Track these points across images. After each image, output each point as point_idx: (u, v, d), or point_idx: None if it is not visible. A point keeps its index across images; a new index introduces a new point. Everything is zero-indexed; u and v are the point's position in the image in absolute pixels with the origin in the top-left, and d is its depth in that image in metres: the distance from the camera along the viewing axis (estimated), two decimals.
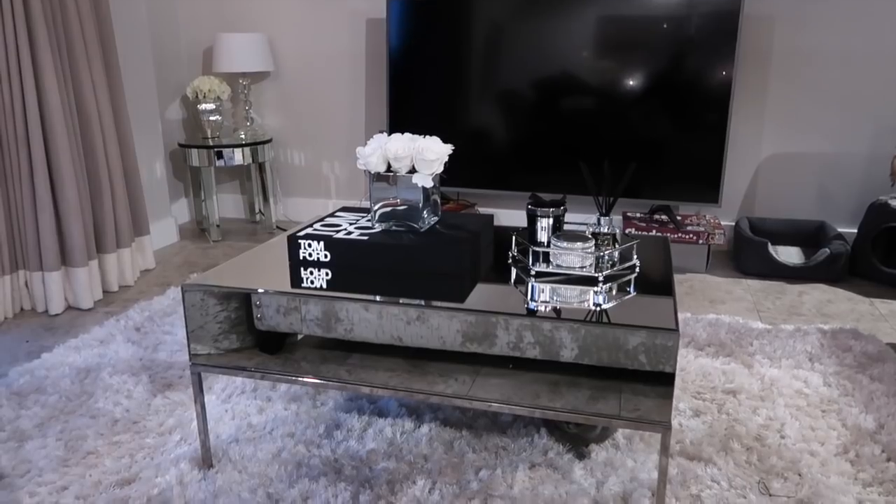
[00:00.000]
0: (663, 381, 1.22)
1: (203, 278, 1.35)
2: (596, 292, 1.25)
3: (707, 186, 2.81)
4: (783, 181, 2.97)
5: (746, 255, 2.72)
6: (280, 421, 1.58)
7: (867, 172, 2.87)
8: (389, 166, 1.43)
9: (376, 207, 1.47)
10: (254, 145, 3.22)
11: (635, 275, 1.34)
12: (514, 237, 1.45)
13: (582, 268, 1.30)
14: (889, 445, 1.45)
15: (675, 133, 2.80)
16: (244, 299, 1.41)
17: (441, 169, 1.41)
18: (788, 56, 2.83)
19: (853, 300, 2.45)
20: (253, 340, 1.44)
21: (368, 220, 1.54)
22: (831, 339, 2.00)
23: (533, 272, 1.32)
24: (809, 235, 2.90)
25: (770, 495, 1.31)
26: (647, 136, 2.84)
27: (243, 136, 3.31)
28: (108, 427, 1.56)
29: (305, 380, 1.30)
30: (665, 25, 2.72)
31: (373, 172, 1.43)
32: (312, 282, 1.33)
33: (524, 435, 1.52)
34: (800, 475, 1.36)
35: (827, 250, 2.62)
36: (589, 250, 1.30)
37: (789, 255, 2.77)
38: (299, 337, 1.48)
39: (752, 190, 3.01)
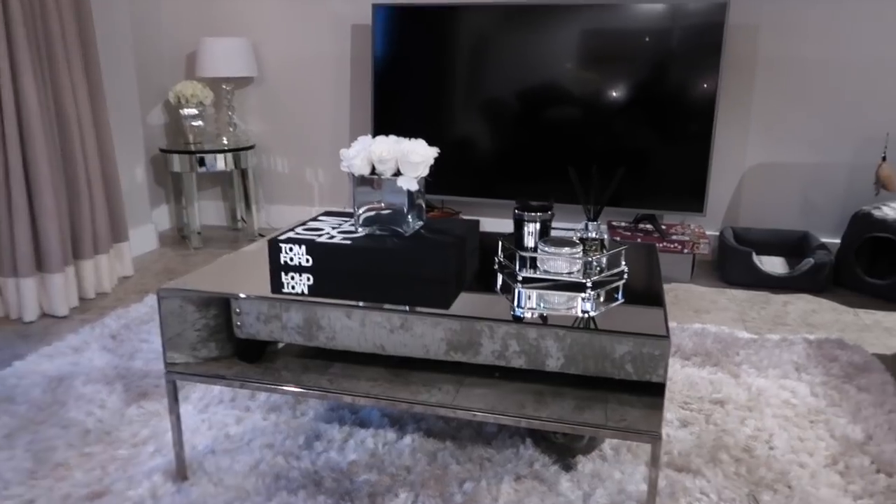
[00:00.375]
0: (650, 391, 1.19)
1: (180, 283, 1.30)
2: (584, 299, 1.22)
3: (692, 196, 2.81)
4: (767, 191, 2.97)
5: (731, 265, 2.71)
6: (259, 431, 1.53)
7: (850, 182, 2.88)
8: (374, 169, 1.40)
9: (360, 211, 1.43)
10: (236, 151, 3.17)
11: (623, 281, 1.32)
12: (500, 242, 1.42)
13: (570, 273, 1.28)
14: (878, 457, 1.44)
15: (660, 142, 2.80)
16: (223, 306, 1.37)
17: (426, 172, 1.38)
18: (773, 65, 2.84)
19: (837, 310, 2.45)
20: (232, 349, 1.39)
21: (352, 225, 1.50)
22: (817, 349, 1.99)
23: (520, 277, 1.29)
24: (793, 246, 2.90)
25: None
26: (632, 146, 2.84)
27: (226, 142, 3.27)
28: (79, 438, 1.51)
29: (285, 388, 1.26)
30: (649, 37, 2.73)
31: (357, 175, 1.40)
32: (294, 287, 1.30)
33: (509, 446, 1.48)
34: (789, 487, 1.34)
35: (811, 260, 2.62)
36: (577, 255, 1.27)
37: (773, 265, 2.77)
38: (280, 346, 1.44)
39: (737, 200, 3.01)
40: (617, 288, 1.29)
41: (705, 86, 2.70)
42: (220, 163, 3.13)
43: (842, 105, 2.81)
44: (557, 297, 1.24)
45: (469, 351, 1.19)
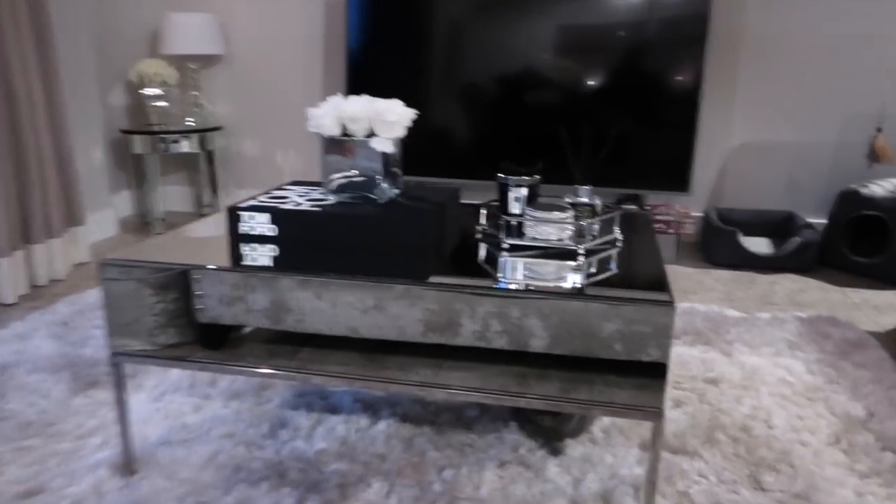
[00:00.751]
0: (640, 372, 1.08)
1: (125, 254, 1.17)
2: (576, 267, 1.12)
3: (677, 175, 2.73)
4: (752, 171, 2.90)
5: (716, 245, 2.64)
6: (218, 420, 1.40)
7: (835, 162, 2.82)
8: (345, 130, 1.27)
9: (330, 177, 1.31)
10: (202, 132, 3.02)
11: (618, 249, 1.21)
12: (483, 209, 1.30)
13: (560, 240, 1.17)
14: (882, 434, 1.36)
15: (645, 121, 2.71)
16: (183, 289, 1.24)
17: (403, 133, 1.26)
18: (759, 44, 2.77)
19: (825, 289, 2.39)
20: (194, 335, 1.26)
21: (321, 193, 1.38)
22: (809, 326, 1.92)
23: (505, 245, 1.18)
24: (778, 226, 2.83)
25: (763, 490, 1.19)
26: (617, 126, 2.74)
27: (191, 123, 3.11)
28: (18, 430, 1.37)
29: (248, 369, 1.13)
30: (634, 15, 2.63)
31: (326, 136, 1.27)
32: (256, 259, 1.17)
33: (492, 430, 1.37)
34: (792, 467, 1.25)
35: (798, 239, 2.56)
36: (568, 221, 1.16)
37: (758, 245, 2.70)
38: (246, 331, 1.31)
39: (721, 180, 2.94)
40: (611, 256, 1.19)
41: (691, 65, 2.61)
42: (185, 145, 2.98)
43: (827, 83, 2.75)
44: (547, 267, 1.13)
45: (448, 332, 1.08)
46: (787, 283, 2.44)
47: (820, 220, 2.83)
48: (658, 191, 2.74)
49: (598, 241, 1.22)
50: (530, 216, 1.18)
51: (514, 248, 1.18)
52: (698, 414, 1.44)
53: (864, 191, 2.53)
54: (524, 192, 1.25)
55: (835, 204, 2.64)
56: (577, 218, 1.22)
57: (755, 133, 2.86)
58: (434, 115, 2.88)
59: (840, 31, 2.69)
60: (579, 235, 1.20)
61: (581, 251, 1.15)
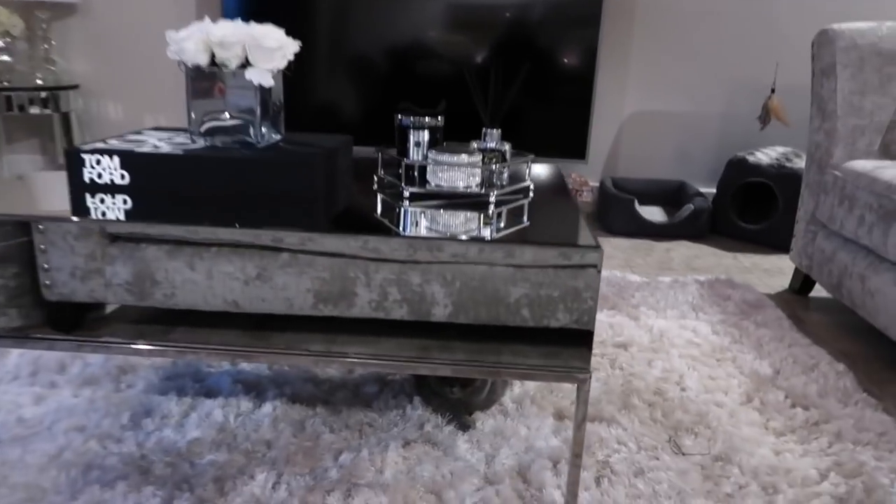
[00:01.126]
0: (552, 341, 0.97)
1: None
2: (487, 217, 0.99)
3: (574, 142, 2.68)
4: (644, 141, 2.91)
5: (613, 214, 2.62)
6: (66, 411, 1.17)
7: (723, 131, 2.88)
8: (214, 60, 1.07)
9: (196, 118, 1.10)
10: (55, 90, 2.65)
11: (531, 198, 1.09)
12: (379, 154, 1.14)
13: (467, 188, 1.03)
14: (791, 390, 1.34)
15: (542, 89, 2.63)
16: (27, 263, 0.99)
17: (284, 64, 1.08)
18: (651, 14, 2.76)
19: (717, 255, 2.42)
20: (42, 317, 1.02)
21: (186, 137, 1.17)
22: (709, 289, 1.91)
23: (406, 194, 1.03)
24: (670, 194, 2.86)
25: (683, 454, 1.12)
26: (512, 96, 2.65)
27: (41, 81, 2.72)
28: None
29: (107, 345, 0.92)
30: None
31: (190, 66, 1.06)
32: (103, 212, 0.95)
33: (394, 407, 1.23)
34: (710, 428, 1.19)
35: (691, 206, 2.58)
36: (476, 165, 1.03)
37: (652, 214, 2.71)
38: (109, 310, 1.07)
39: (616, 150, 2.93)
40: (523, 206, 1.07)
41: (588, 32, 2.55)
42: (34, 105, 2.60)
43: (715, 54, 2.79)
44: (455, 218, 0.99)
45: (342, 303, 0.92)
46: (683, 250, 2.46)
47: (710, 189, 2.88)
48: (556, 158, 2.68)
49: (510, 188, 1.10)
50: (434, 160, 1.04)
51: (415, 198, 1.04)
52: (611, 380, 1.36)
53: (750, 158, 2.59)
54: (426, 135, 1.11)
55: (723, 172, 2.69)
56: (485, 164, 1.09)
57: (648, 103, 2.87)
58: (321, 88, 2.67)
59: (728, 1, 2.73)
60: (489, 183, 1.07)
61: (492, 199, 1.02)
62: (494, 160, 1.11)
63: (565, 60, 2.59)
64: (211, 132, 1.12)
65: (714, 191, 2.79)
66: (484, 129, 1.15)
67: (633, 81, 2.84)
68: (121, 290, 0.94)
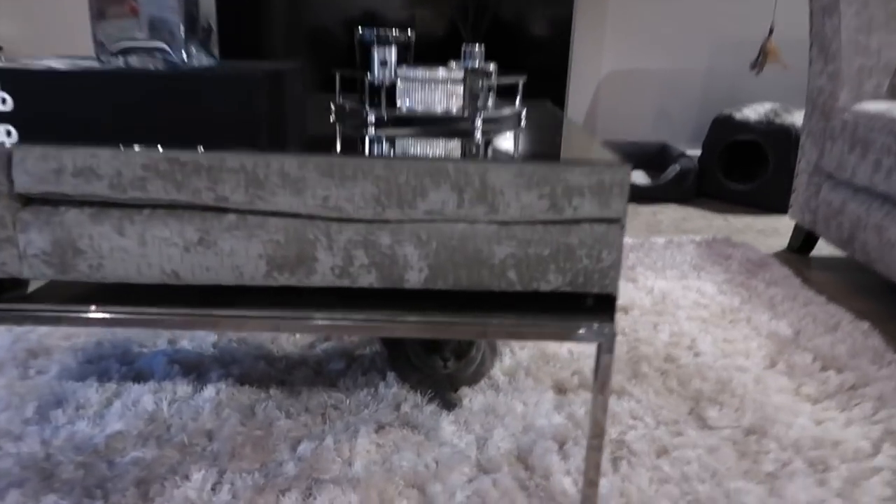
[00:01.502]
0: (536, 305, 0.78)
1: None
2: (473, 145, 0.79)
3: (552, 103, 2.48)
4: (623, 101, 2.74)
5: None
6: None
7: (705, 89, 2.73)
8: None
9: (106, 40, 0.88)
10: None
11: (523, 124, 0.90)
12: (337, 75, 0.93)
13: (447, 112, 0.83)
14: (817, 352, 1.17)
15: (517, 51, 2.43)
16: None
17: None
18: None
19: (707, 217, 2.27)
20: None
21: (94, 61, 0.94)
22: (707, 248, 1.75)
23: (371, 119, 0.82)
24: (653, 157, 2.70)
25: (710, 428, 0.95)
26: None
27: None
28: None
29: (19, 313, 0.70)
30: None
31: None
32: None
33: (363, 386, 1.03)
34: (735, 397, 1.02)
35: (677, 167, 2.42)
36: (458, 81, 0.83)
37: (635, 177, 2.54)
38: (30, 290, 0.85)
39: (593, 112, 2.76)
40: (517, 133, 0.87)
41: None
42: None
43: (696, 8, 2.62)
44: (434, 146, 0.79)
45: (299, 270, 0.74)
46: (670, 213, 2.29)
47: (694, 151, 2.72)
48: None
49: (495, 112, 0.90)
50: (405, 77, 0.83)
51: (382, 125, 0.83)
52: (616, 347, 1.18)
53: (737, 115, 2.44)
54: (393, 52, 0.90)
55: (709, 130, 2.53)
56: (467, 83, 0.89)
57: (626, 61, 2.69)
58: (269, 17, 2.42)
59: None
60: (473, 107, 0.87)
61: (478, 124, 0.82)
62: (479, 78, 0.91)
63: (539, 22, 2.39)
64: (125, 52, 0.90)
65: (698, 152, 2.63)
66: (464, 46, 0.95)
67: (611, 38, 2.66)
68: (37, 262, 0.73)
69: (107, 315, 0.72)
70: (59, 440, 0.87)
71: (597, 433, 0.74)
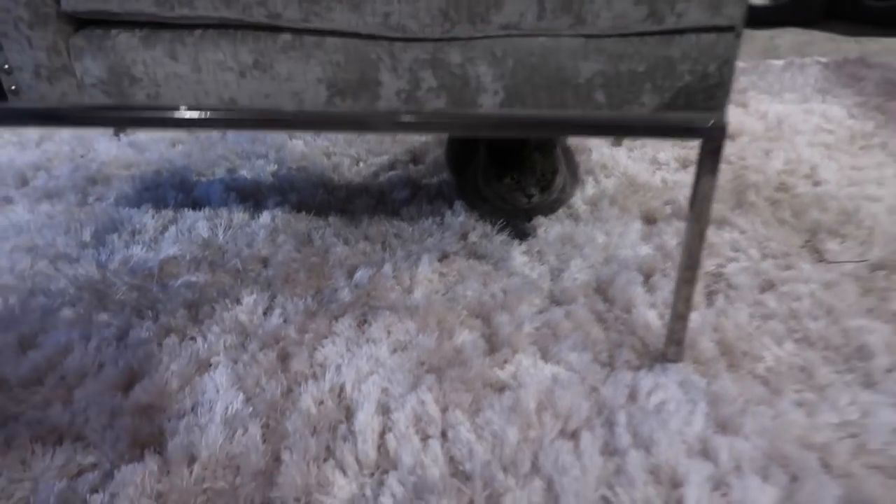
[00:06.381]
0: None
1: None
2: None
3: None
4: None
5: None
6: (15, 229, 0.93)
7: None
8: None
9: None
10: None
11: None
12: None
13: None
14: None
15: None
16: None
17: None
18: None
19: (836, 40, 1.94)
20: None
21: None
22: (836, 70, 1.49)
23: None
24: None
25: (828, 262, 0.81)
26: None
27: None
28: None
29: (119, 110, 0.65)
30: None
31: None
32: None
33: (429, 214, 0.94)
34: (862, 229, 0.86)
35: None
36: None
37: None
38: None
39: None
40: None
41: None
42: None
43: None
44: None
45: (362, 94, 0.66)
46: (791, 37, 1.98)
47: None
48: None
49: None
50: None
51: None
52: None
53: None
54: None
55: None
56: None
57: None
58: None
59: None
60: None
61: None
62: None
63: None
64: None
65: None
66: None
67: None
68: (96, 92, 0.70)
69: (194, 115, 0.65)
70: (114, 263, 0.85)
71: (691, 263, 0.63)
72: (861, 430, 0.58)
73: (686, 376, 0.64)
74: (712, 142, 0.59)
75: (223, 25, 0.65)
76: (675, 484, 0.54)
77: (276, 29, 0.64)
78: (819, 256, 0.82)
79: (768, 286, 0.77)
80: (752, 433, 0.58)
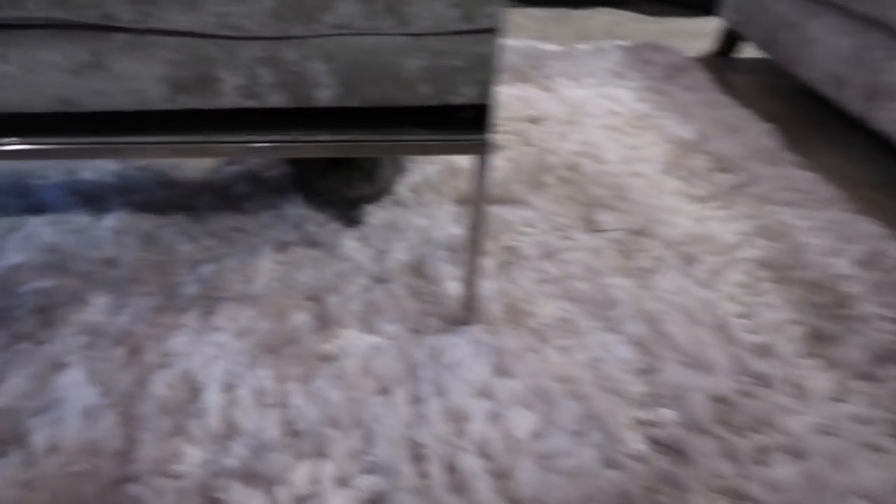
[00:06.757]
0: (448, 121, 0.76)
1: None
2: None
3: None
4: None
5: None
6: None
7: None
8: None
9: None
10: None
11: None
12: None
13: None
14: (717, 154, 1.21)
15: None
16: None
17: None
18: None
19: (640, 20, 2.20)
20: None
21: None
22: (632, 54, 1.72)
23: None
24: None
25: (599, 231, 1.00)
26: None
27: None
28: None
29: None
30: None
31: None
32: None
33: (268, 208, 1.04)
34: (628, 201, 1.07)
35: None
36: None
37: None
38: None
39: None
40: None
41: None
42: None
43: None
44: None
45: (203, 91, 0.71)
46: (602, 17, 2.22)
47: None
48: None
49: None
50: None
51: None
52: (521, 158, 1.20)
53: None
54: None
55: None
56: None
57: None
58: None
59: None
60: None
61: None
62: None
63: None
64: None
65: None
66: None
67: None
68: None
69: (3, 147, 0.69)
70: None
71: (475, 238, 0.78)
72: (602, 363, 0.77)
73: (477, 335, 0.80)
74: (483, 156, 0.73)
75: (56, 25, 0.66)
76: (463, 420, 0.70)
77: (113, 29, 0.67)
78: (593, 227, 1.01)
79: (549, 254, 0.95)
80: (522, 374, 0.75)
